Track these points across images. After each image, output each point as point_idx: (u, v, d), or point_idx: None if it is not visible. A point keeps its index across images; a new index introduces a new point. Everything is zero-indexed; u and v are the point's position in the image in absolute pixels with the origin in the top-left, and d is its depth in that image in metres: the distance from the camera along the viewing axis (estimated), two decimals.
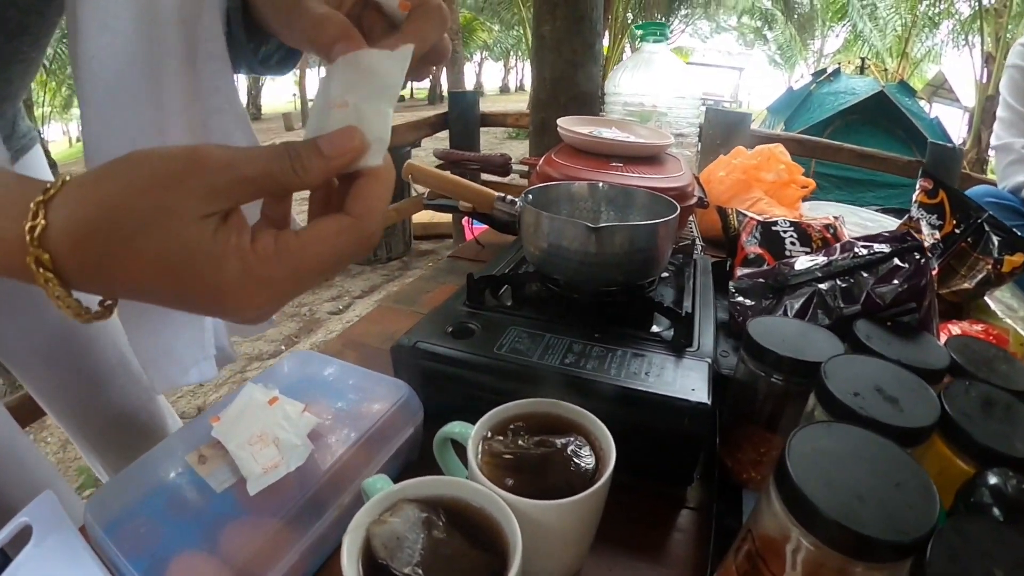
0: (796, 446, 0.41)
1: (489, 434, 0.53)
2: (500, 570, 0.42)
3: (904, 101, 7.50)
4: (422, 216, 3.29)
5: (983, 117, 9.39)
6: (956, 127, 13.38)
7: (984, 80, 10.20)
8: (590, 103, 2.03)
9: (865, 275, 0.77)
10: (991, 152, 1.86)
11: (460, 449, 0.55)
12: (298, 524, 0.52)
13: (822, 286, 0.77)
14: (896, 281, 0.74)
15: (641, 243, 0.74)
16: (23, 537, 0.48)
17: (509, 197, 0.87)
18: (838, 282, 0.77)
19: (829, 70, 8.41)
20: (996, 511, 0.42)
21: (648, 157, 1.22)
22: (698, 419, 0.60)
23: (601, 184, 0.96)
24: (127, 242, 0.34)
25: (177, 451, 0.57)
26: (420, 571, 0.41)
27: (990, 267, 1.05)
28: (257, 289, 0.37)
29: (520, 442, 0.52)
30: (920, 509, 0.36)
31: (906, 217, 1.20)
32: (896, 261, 0.77)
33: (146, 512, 0.51)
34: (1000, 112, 1.85)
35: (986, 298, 1.09)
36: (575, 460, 0.51)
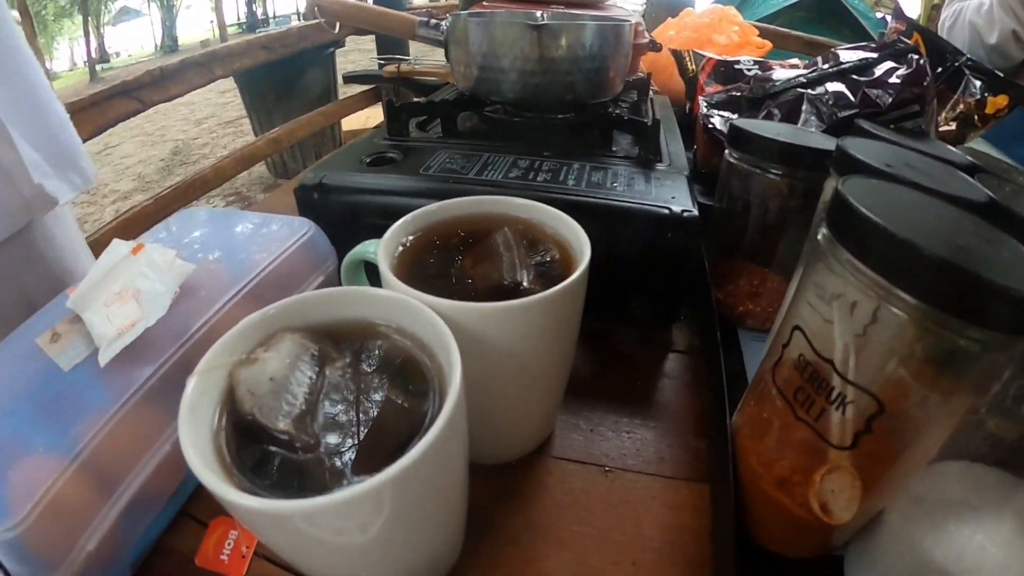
0: (852, 192, 0.29)
1: (409, 241, 0.40)
2: (432, 409, 0.28)
3: (851, 0, 7.40)
4: (352, 121, 3.07)
5: (929, 27, 9.33)
6: None
7: None
8: None
9: (858, 78, 0.65)
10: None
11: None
12: (169, 401, 0.38)
13: (810, 91, 0.65)
14: (896, 80, 0.63)
15: (592, 48, 0.60)
16: None
17: (434, 20, 0.72)
18: (828, 87, 0.65)
19: None
20: None
21: (591, 3, 1.08)
22: (684, 231, 0.47)
23: (540, 13, 0.81)
24: None
25: (26, 339, 0.42)
26: (309, 426, 0.27)
27: (972, 107, 0.97)
28: None
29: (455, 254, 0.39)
30: None
31: None
32: (891, 63, 0.66)
33: None
34: None
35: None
36: (536, 256, 0.38)
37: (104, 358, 0.38)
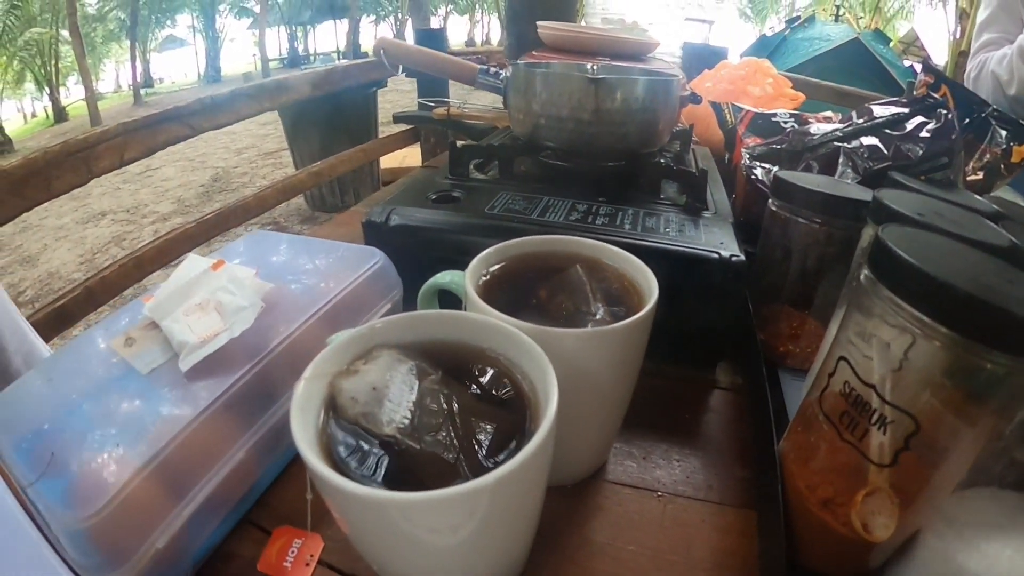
0: (891, 237, 0.32)
1: (489, 273, 0.43)
2: (522, 424, 0.32)
3: (879, 49, 7.40)
4: (390, 160, 3.14)
5: (955, 73, 9.25)
6: None
7: (958, 36, 10.01)
8: (567, 15, 1.91)
9: (891, 132, 0.69)
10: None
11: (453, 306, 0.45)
12: (243, 411, 0.42)
13: (846, 145, 0.69)
14: (926, 134, 0.67)
15: (644, 101, 0.65)
16: None
17: (493, 68, 0.77)
18: (862, 141, 0.69)
19: (803, 16, 8.23)
20: None
21: (635, 56, 1.13)
22: (732, 275, 0.51)
23: (591, 65, 0.86)
24: None
25: (99, 340, 0.45)
26: (411, 431, 0.30)
27: (998, 156, 1.01)
28: None
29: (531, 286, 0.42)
30: None
31: None
32: (921, 118, 0.70)
33: (49, 412, 0.39)
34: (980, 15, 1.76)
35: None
36: (607, 289, 0.41)
37: (185, 365, 0.41)
